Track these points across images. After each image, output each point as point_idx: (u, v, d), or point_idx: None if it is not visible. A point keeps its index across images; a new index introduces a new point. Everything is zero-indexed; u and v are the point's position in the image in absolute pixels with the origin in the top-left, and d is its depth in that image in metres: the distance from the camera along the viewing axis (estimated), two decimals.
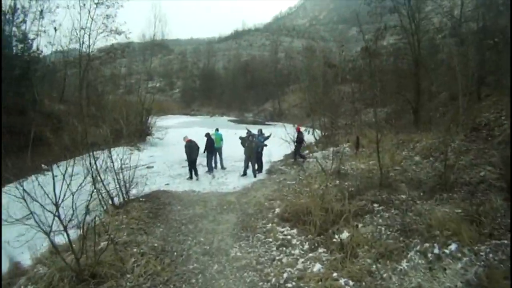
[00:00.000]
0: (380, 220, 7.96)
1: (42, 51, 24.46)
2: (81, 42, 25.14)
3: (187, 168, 15.48)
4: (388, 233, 7.30)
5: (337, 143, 20.05)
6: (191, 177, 15.10)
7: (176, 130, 31.72)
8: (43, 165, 17.95)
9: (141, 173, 16.13)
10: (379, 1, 24.37)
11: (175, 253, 7.74)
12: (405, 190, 9.50)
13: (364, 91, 36.13)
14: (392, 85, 24.27)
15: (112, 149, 20.16)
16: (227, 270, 6.89)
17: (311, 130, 24.33)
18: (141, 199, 11.77)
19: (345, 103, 33.32)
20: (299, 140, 17.41)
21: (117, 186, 11.73)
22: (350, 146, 18.64)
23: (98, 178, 11.15)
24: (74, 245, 6.76)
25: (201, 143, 15.91)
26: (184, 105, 71.65)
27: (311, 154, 18.35)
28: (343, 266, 6.37)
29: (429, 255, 6.17)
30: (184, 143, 15.25)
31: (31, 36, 22.88)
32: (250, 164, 15.29)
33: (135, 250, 7.79)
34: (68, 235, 6.66)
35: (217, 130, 17.90)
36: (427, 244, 6.42)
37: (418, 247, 6.43)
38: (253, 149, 15.06)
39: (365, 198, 9.54)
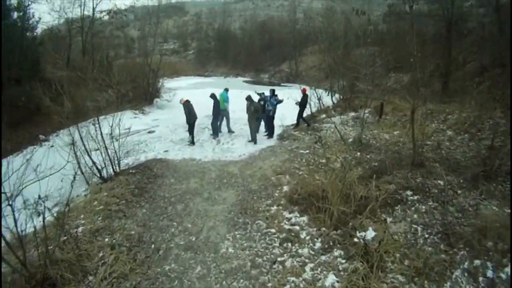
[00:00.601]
0: (415, 216, 6.21)
1: (40, 18, 22.47)
2: (83, 2, 23.31)
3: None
4: (426, 235, 5.57)
5: (356, 108, 18.03)
6: (193, 142, 13.52)
7: (186, 91, 29.92)
8: (40, 136, 16.54)
9: (141, 138, 14.68)
10: None
11: (153, 246, 6.14)
12: (442, 174, 7.60)
13: (385, 55, 34.16)
14: (419, 50, 21.75)
15: (115, 114, 18.83)
16: (211, 276, 5.25)
17: (329, 92, 22.12)
18: (131, 171, 10.06)
19: (365, 67, 30.94)
20: (303, 103, 15.54)
21: (107, 156, 10.09)
22: (371, 112, 16.66)
23: (84, 148, 9.81)
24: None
25: (210, 104, 14.41)
26: (198, 67, 69.54)
27: (329, 118, 16.52)
28: (367, 283, 4.63)
29: (480, 278, 4.50)
30: (182, 105, 13.68)
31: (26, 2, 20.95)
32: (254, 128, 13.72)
33: (106, 240, 6.29)
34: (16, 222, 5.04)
35: (226, 90, 16.14)
36: (477, 262, 4.76)
37: (466, 264, 4.76)
38: (253, 113, 13.23)
39: (395, 180, 7.73)
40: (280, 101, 14.30)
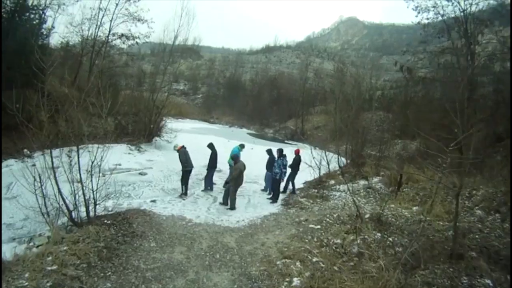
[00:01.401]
0: None
1: (54, 27, 21.32)
2: (98, 24, 22.21)
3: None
4: None
5: (366, 175, 16.26)
6: (185, 194, 11.84)
7: (188, 135, 28.42)
8: (25, 150, 15.17)
9: (130, 179, 12.87)
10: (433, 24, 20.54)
11: None
12: (486, 269, 5.96)
13: (393, 120, 33.26)
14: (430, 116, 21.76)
15: (108, 145, 16.98)
16: None
17: (334, 156, 20.57)
18: (106, 221, 8.13)
19: (372, 131, 29.74)
20: (294, 165, 14.01)
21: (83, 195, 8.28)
22: (383, 182, 15.10)
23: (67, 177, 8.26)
24: None
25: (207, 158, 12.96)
26: (204, 111, 69.04)
27: (338, 186, 14.89)
28: None
29: None
30: (177, 152, 12.16)
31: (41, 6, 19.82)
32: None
33: None
34: None
35: (241, 146, 14.46)
36: None
37: None
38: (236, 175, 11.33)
39: (435, 281, 5.88)
40: (286, 165, 12.98)
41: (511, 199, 7.25)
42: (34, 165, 12.66)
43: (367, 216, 9.60)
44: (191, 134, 30.29)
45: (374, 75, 48.39)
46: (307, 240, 8.14)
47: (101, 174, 11.59)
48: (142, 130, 21.55)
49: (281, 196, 13.04)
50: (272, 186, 12.62)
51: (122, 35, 23.29)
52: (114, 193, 10.19)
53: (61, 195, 7.79)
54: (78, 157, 8.58)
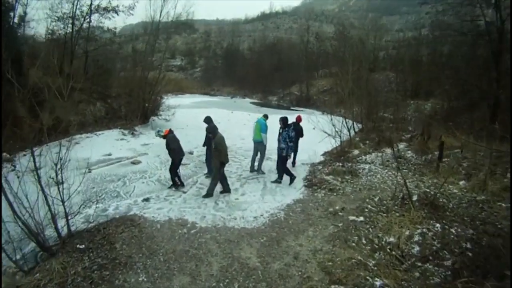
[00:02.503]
0: None
1: (26, 13, 18.44)
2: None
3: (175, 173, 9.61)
4: None
5: (390, 142, 13.45)
6: (182, 184, 9.44)
7: (189, 110, 26.07)
8: (4, 154, 12.45)
9: (120, 172, 10.57)
10: None
11: None
12: None
13: (402, 80, 30.67)
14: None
15: (99, 132, 14.64)
16: None
17: (347, 121, 18.19)
18: (79, 245, 5.82)
19: (381, 93, 27.05)
20: (297, 134, 11.15)
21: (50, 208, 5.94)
22: (413, 149, 12.95)
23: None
24: None
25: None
26: (204, 85, 67.32)
27: (364, 156, 12.81)
28: None
29: None
30: (163, 139, 9.52)
31: None
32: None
33: None
34: None
35: (265, 117, 11.50)
36: None
37: None
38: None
39: None
40: (292, 138, 10.02)
41: (510, 194, 6.41)
42: (14, 169, 10.59)
43: (415, 198, 7.28)
44: (191, 109, 27.95)
45: (376, 35, 45.62)
46: (353, 244, 5.87)
47: (86, 170, 9.81)
48: (136, 111, 19.14)
49: (301, 171, 10.95)
50: (277, 165, 10.16)
51: (102, 7, 20.28)
52: (98, 194, 7.95)
53: (17, 218, 5.35)
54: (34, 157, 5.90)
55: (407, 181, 7.43)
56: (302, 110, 33.34)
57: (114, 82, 21.67)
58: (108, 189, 9.16)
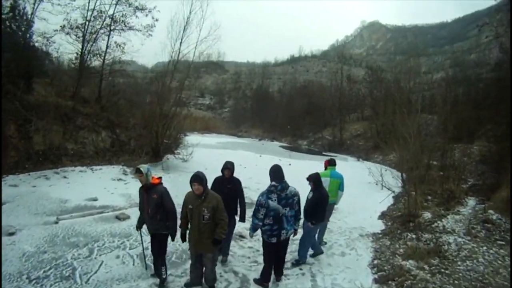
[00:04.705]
0: None
1: (33, 22, 15.57)
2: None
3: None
4: None
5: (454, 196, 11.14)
6: (160, 277, 5.15)
7: (212, 151, 22.75)
8: None
9: (94, 231, 7.04)
10: None
11: None
12: None
13: (443, 123, 27.62)
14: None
15: (97, 167, 13.43)
16: None
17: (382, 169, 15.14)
18: None
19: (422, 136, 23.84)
20: (318, 198, 6.18)
21: None
22: (493, 208, 9.22)
23: None
24: None
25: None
26: (232, 125, 65.99)
27: (439, 222, 8.81)
28: None
29: None
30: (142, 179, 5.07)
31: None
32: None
33: None
34: None
35: (332, 163, 7.56)
36: None
37: None
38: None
39: None
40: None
41: (510, 194, 6.35)
42: None
43: None
44: (215, 149, 24.65)
45: (405, 78, 43.48)
46: None
47: (55, 219, 7.64)
48: (147, 146, 15.88)
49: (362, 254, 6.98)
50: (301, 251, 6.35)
51: (118, 21, 17.37)
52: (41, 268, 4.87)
53: None
54: None
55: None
56: (335, 156, 29.94)
57: (129, 112, 18.60)
58: (61, 261, 5.71)
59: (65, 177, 11.46)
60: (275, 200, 4.93)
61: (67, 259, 5.78)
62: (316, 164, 21.43)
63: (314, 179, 6.17)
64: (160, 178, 5.11)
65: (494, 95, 21.30)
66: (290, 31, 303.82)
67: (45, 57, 17.90)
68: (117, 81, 20.84)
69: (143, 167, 4.93)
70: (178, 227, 5.00)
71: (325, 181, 6.99)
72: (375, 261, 6.68)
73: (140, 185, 5.04)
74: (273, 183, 5.00)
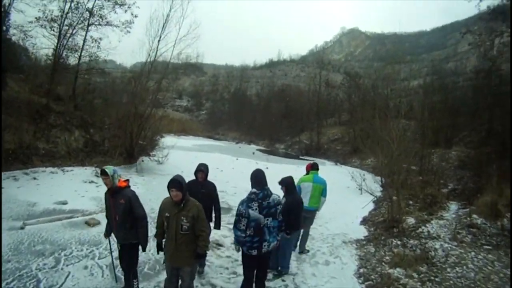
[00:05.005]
0: None
1: (8, 13, 14.79)
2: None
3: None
4: None
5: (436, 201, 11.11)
6: None
7: (188, 153, 22.23)
8: None
9: (62, 238, 6.61)
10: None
11: None
12: None
13: (420, 128, 28.14)
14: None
15: (68, 168, 12.72)
16: None
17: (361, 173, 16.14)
18: None
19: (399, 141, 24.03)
20: (292, 205, 5.60)
21: None
22: (476, 212, 9.13)
23: None
24: None
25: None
26: (209, 128, 65.57)
27: (423, 226, 8.74)
28: None
29: None
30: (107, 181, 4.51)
31: None
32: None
33: None
34: None
35: (315, 168, 7.21)
36: None
37: None
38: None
39: None
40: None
41: (511, 203, 6.03)
42: None
43: None
44: (191, 152, 24.20)
45: (385, 84, 44.19)
46: None
47: (21, 224, 7.10)
48: (122, 147, 15.27)
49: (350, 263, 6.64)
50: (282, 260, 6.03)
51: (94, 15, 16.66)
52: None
53: None
54: None
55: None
56: (312, 160, 29.89)
57: (105, 111, 17.90)
58: (25, 272, 5.17)
59: (34, 178, 10.83)
60: (256, 209, 4.36)
61: (31, 269, 5.25)
62: (293, 168, 21.23)
63: (287, 183, 5.73)
64: (127, 181, 4.56)
65: (472, 102, 21.74)
66: (270, 35, 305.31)
67: (21, 51, 17.35)
68: (94, 80, 20.22)
69: (109, 168, 4.37)
70: (149, 235, 4.53)
71: (308, 186, 6.71)
72: (361, 270, 6.39)
73: (106, 188, 4.50)
74: (254, 190, 4.43)
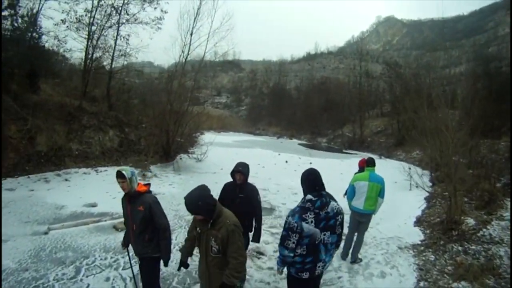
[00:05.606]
0: None
1: (38, 21, 14.79)
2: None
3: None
4: None
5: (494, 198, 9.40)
6: None
7: (228, 150, 21.61)
8: None
9: (86, 244, 6.26)
10: None
11: None
12: None
13: (467, 118, 26.02)
14: None
15: (102, 168, 12.45)
16: None
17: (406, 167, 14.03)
18: None
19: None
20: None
21: None
22: None
23: None
24: None
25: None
26: (250, 123, 65.15)
27: (485, 229, 7.43)
28: None
29: None
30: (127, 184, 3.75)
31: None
32: None
33: None
34: None
35: (371, 164, 6.06)
36: None
37: None
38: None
39: None
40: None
41: (511, 195, 5.60)
42: None
43: None
44: (230, 148, 23.54)
45: (424, 73, 41.81)
46: None
47: (46, 228, 6.64)
48: (158, 145, 14.86)
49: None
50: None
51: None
52: None
53: None
54: None
55: None
56: (356, 154, 28.56)
57: (142, 111, 17.63)
58: (42, 283, 4.64)
59: (66, 179, 10.54)
60: (311, 222, 3.21)
61: (49, 279, 4.69)
62: (337, 163, 20.18)
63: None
64: (148, 185, 3.78)
65: None
66: (305, 28, 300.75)
67: (56, 57, 17.38)
68: (130, 81, 20.14)
69: (126, 170, 3.62)
70: (172, 248, 3.75)
71: (363, 186, 5.65)
72: (421, 283, 5.35)
73: (123, 193, 3.76)
74: (309, 196, 3.26)
